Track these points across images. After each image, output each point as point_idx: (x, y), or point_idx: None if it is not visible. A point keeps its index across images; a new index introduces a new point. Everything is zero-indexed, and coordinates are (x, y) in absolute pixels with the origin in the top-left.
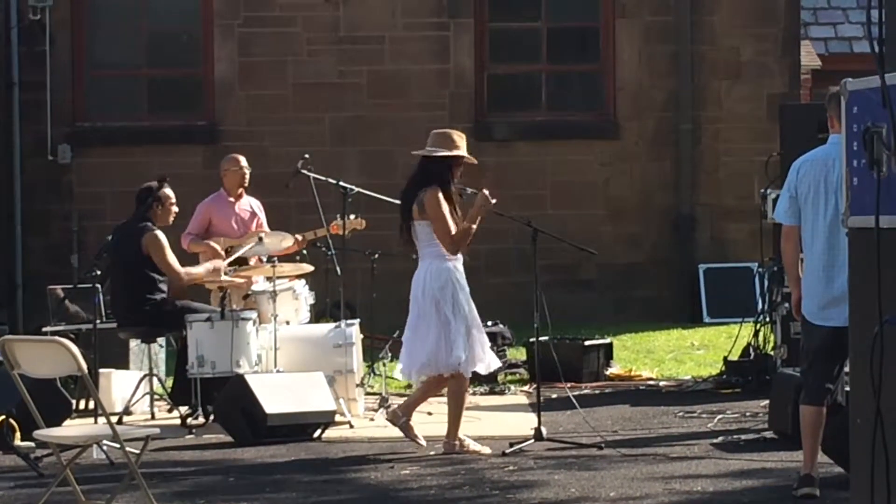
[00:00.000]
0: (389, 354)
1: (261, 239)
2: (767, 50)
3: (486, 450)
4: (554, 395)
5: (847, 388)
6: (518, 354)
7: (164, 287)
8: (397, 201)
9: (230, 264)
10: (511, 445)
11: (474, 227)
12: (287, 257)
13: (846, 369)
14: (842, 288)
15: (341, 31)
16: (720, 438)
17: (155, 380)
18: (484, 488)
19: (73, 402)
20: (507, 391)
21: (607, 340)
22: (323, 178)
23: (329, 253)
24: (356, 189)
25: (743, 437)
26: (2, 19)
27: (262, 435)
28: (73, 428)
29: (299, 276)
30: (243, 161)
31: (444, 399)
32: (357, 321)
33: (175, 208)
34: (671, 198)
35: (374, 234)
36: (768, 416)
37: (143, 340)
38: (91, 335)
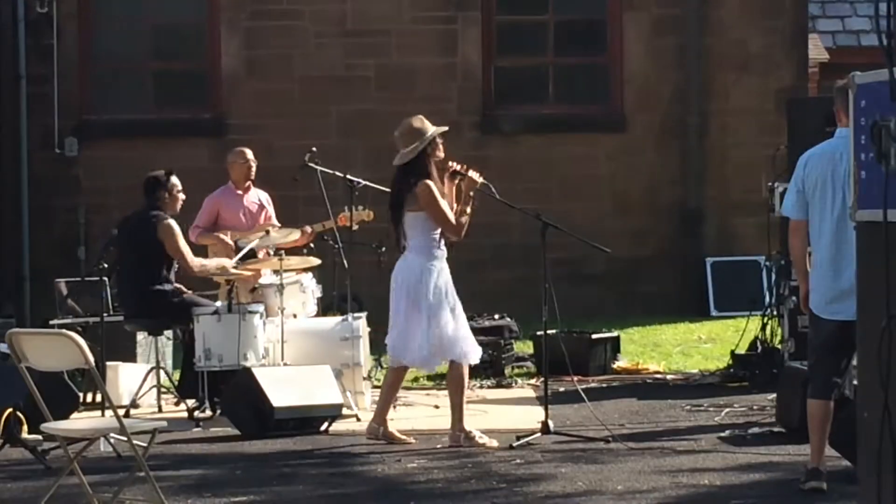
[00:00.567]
0: None
1: (268, 232)
2: (775, 43)
3: (494, 443)
4: (561, 389)
5: (855, 382)
6: (525, 348)
7: (171, 278)
8: None
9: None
10: (518, 439)
11: (468, 208)
12: (294, 250)
13: (854, 363)
14: (850, 282)
15: (348, 24)
16: (727, 432)
17: (162, 373)
18: (491, 481)
19: (81, 395)
20: (514, 384)
21: (614, 334)
22: (330, 171)
23: (336, 246)
24: (363, 182)
25: (750, 430)
26: (9, 12)
27: (269, 428)
28: (80, 421)
29: (306, 270)
30: (249, 154)
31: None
32: (364, 314)
33: (182, 196)
34: (678, 191)
35: (380, 228)
36: (776, 410)
37: (150, 333)
38: (98, 328)
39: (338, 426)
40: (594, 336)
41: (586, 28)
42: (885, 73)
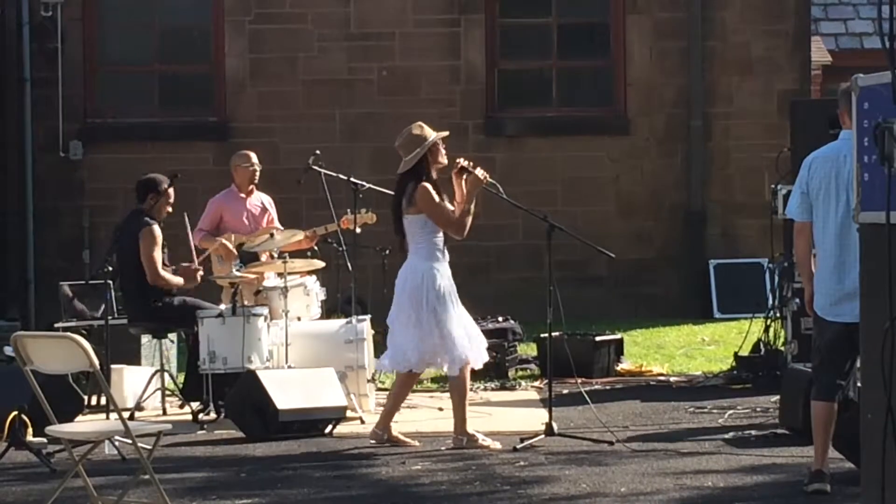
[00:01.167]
0: None
1: (272, 235)
2: (778, 46)
3: (497, 445)
4: (565, 391)
5: (858, 384)
6: (529, 350)
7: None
8: None
9: (241, 261)
10: (522, 441)
11: (472, 206)
12: (298, 253)
13: (857, 365)
14: (853, 284)
15: (352, 27)
16: (731, 434)
17: (166, 376)
18: (495, 484)
19: (85, 397)
20: (517, 387)
21: (618, 336)
22: (334, 174)
23: (340, 249)
24: (367, 185)
25: (754, 432)
26: (13, 16)
27: (274, 430)
28: (84, 424)
29: (310, 272)
30: (254, 158)
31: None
32: (368, 317)
33: (170, 201)
34: (682, 194)
35: (384, 230)
36: (779, 412)
37: (154, 336)
38: (103, 331)
39: (342, 429)
40: (598, 338)
41: (590, 31)
42: (887, 75)
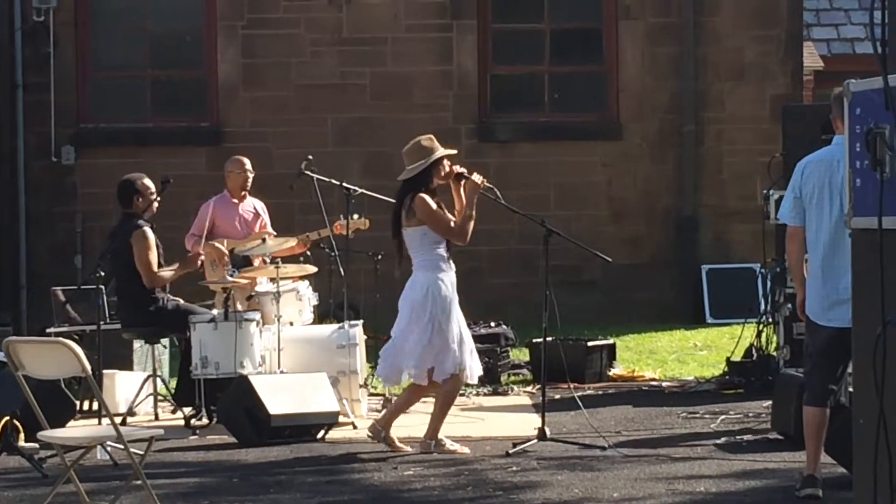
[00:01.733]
0: None
1: (264, 240)
2: (770, 51)
3: (465, 450)
4: (557, 396)
5: (850, 389)
6: (521, 355)
7: (167, 287)
8: None
9: (234, 266)
10: (514, 445)
11: (473, 211)
12: (290, 258)
13: (849, 370)
14: (845, 289)
15: (344, 32)
16: (723, 439)
17: (159, 381)
18: (487, 489)
19: (77, 403)
20: (510, 392)
21: (610, 341)
22: (326, 179)
23: (332, 254)
24: (359, 190)
25: (746, 437)
26: (6, 21)
27: (266, 436)
28: (77, 429)
29: (303, 278)
30: (247, 164)
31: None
32: (360, 322)
33: (156, 197)
34: (674, 199)
35: (377, 236)
36: (771, 417)
37: (146, 341)
38: (95, 336)
39: (334, 434)
40: (590, 343)
41: (582, 36)
42: (879, 80)
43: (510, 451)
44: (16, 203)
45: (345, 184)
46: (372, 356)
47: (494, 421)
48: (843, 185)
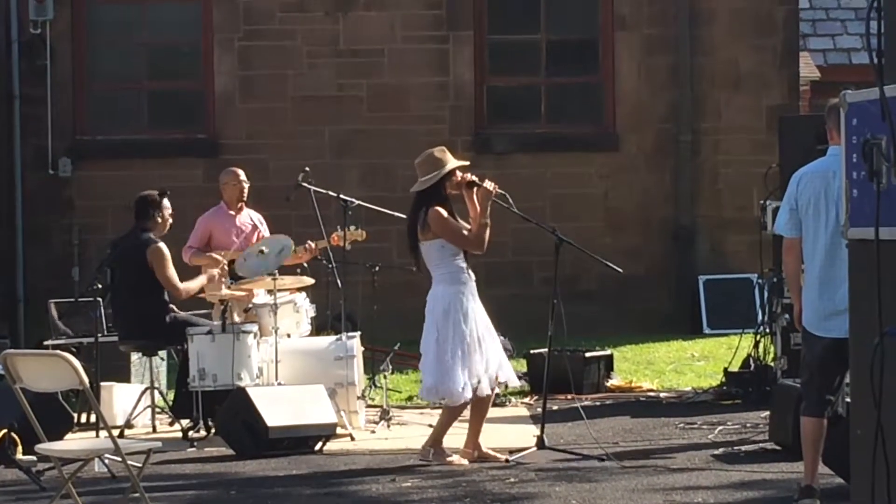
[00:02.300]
0: (390, 367)
1: (261, 251)
2: (766, 61)
3: (464, 461)
4: (555, 407)
5: (848, 400)
6: (519, 366)
7: (167, 298)
8: (397, 214)
9: (232, 278)
10: (511, 453)
11: (487, 219)
12: (288, 270)
13: (847, 380)
14: (842, 299)
15: (341, 44)
16: (721, 450)
17: (156, 393)
18: (485, 500)
19: (75, 415)
20: (507, 403)
21: (608, 352)
22: (323, 190)
23: (330, 266)
24: (356, 202)
25: (743, 448)
26: (2, 33)
27: (264, 448)
28: (74, 441)
29: (300, 289)
30: (242, 175)
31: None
32: (358, 333)
33: (170, 220)
34: (671, 209)
35: (374, 247)
36: (769, 428)
37: (144, 354)
38: (92, 348)
39: (332, 446)
40: (587, 354)
41: (578, 47)
42: (876, 91)
43: (509, 459)
44: (13, 215)
45: (342, 195)
46: (369, 368)
47: (492, 432)
48: (840, 195)
